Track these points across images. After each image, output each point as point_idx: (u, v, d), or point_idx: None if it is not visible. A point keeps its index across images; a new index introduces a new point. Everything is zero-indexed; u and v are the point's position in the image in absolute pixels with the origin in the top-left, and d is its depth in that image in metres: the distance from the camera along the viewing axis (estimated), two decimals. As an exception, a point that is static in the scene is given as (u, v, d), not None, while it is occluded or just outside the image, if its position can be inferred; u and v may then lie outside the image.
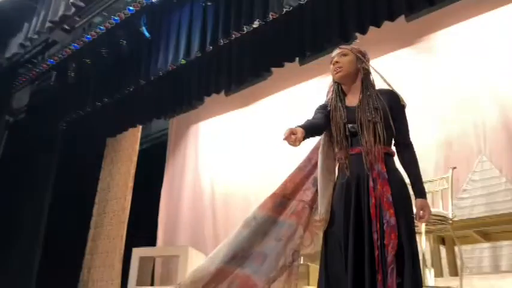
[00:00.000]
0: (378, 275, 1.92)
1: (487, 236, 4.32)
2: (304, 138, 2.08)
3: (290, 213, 2.21)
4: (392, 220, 1.99)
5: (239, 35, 5.82)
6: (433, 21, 5.76)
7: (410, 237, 2.03)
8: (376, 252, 1.96)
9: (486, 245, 4.58)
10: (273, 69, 6.20)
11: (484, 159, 4.97)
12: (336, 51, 2.37)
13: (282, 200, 2.22)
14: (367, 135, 2.15)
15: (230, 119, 7.70)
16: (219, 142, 7.63)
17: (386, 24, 5.14)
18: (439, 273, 4.00)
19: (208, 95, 6.57)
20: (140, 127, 7.85)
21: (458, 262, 3.95)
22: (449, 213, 3.06)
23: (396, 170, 2.23)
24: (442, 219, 2.98)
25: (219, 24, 5.71)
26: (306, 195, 2.25)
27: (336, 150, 2.27)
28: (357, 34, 5.64)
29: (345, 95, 2.33)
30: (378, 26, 5.13)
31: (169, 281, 6.90)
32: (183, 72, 6.60)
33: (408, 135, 2.29)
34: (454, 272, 4.09)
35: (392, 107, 2.22)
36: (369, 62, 2.35)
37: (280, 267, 2.08)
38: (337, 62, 2.32)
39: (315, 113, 2.36)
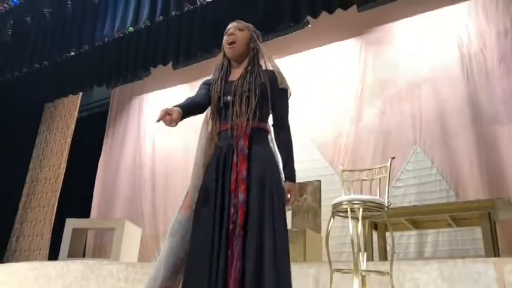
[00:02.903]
0: (229, 250, 1.91)
1: (415, 224, 4.54)
2: (182, 118, 2.06)
3: None
4: (242, 196, 1.96)
5: (192, 8, 5.69)
6: (383, 14, 5.93)
7: (274, 215, 1.96)
8: (230, 227, 1.94)
9: (413, 232, 4.85)
10: (223, 46, 6.11)
11: (418, 150, 5.22)
12: (233, 24, 2.33)
13: None
14: (238, 107, 2.12)
15: (175, 93, 7.55)
16: (163, 116, 7.46)
17: (339, 11, 5.22)
18: (370, 258, 4.17)
19: (155, 66, 6.38)
20: (80, 94, 7.53)
21: (388, 247, 4.14)
22: (385, 201, 3.17)
23: (267, 146, 2.17)
24: (379, 206, 3.08)
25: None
26: None
27: (211, 127, 2.21)
28: (309, 19, 5.72)
29: (230, 71, 2.30)
30: (330, 12, 5.20)
31: (102, 253, 6.76)
32: (130, 41, 6.38)
33: (286, 117, 2.24)
34: (384, 256, 4.28)
35: (272, 87, 2.19)
36: (261, 43, 2.33)
37: None
38: (232, 34, 2.28)
39: (199, 89, 2.31)
